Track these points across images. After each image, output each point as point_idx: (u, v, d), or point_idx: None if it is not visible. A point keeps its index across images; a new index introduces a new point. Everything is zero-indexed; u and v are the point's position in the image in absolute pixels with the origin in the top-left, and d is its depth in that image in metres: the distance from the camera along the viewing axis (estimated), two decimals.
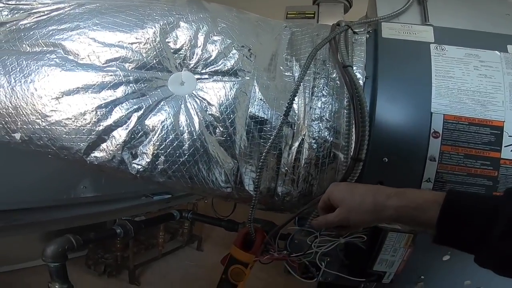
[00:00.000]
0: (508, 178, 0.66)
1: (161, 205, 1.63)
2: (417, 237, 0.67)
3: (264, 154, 0.71)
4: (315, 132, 0.72)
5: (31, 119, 0.71)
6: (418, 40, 0.75)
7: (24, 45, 0.74)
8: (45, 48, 0.73)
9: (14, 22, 0.76)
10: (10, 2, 0.78)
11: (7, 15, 0.77)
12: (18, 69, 0.72)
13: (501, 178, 0.66)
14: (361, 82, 0.71)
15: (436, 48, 0.73)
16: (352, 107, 0.64)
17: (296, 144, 0.73)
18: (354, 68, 0.72)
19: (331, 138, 0.71)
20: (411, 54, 0.73)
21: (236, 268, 0.76)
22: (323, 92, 0.73)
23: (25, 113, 0.71)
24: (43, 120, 0.71)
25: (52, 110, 0.71)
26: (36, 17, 0.76)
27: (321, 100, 0.73)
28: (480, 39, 0.74)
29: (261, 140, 0.73)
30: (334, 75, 0.74)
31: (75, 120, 0.70)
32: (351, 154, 0.66)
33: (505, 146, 0.66)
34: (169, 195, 1.51)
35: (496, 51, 0.72)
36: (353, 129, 0.67)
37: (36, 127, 0.71)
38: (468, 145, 0.66)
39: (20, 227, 1.15)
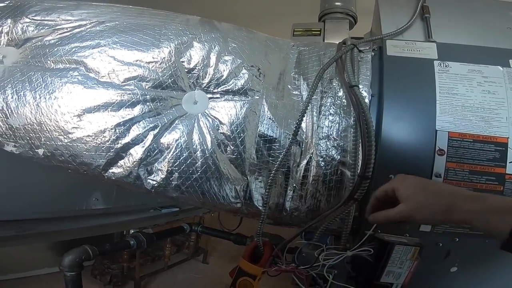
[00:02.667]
0: None
1: (168, 218, 1.65)
2: (424, 250, 0.68)
3: (273, 172, 0.74)
4: (323, 150, 0.74)
5: (54, 136, 0.74)
6: (422, 57, 0.76)
7: (49, 62, 0.77)
8: (68, 65, 0.76)
9: (40, 38, 0.79)
10: (36, 18, 0.82)
11: (33, 30, 0.81)
12: (43, 86, 0.75)
13: (506, 192, 0.68)
14: (367, 100, 0.73)
15: (440, 64, 0.75)
16: (359, 126, 0.67)
17: (304, 162, 0.75)
18: (360, 86, 0.74)
19: (338, 157, 0.73)
20: (415, 71, 0.75)
21: (244, 280, 0.77)
22: (330, 111, 0.76)
23: (48, 129, 0.74)
24: (65, 136, 0.74)
25: (74, 127, 0.74)
26: (60, 34, 0.80)
27: (328, 118, 0.75)
28: (483, 54, 0.75)
29: (270, 158, 0.76)
30: (341, 94, 0.76)
31: (95, 138, 0.73)
32: (358, 171, 0.68)
33: (510, 162, 0.67)
34: (177, 208, 1.53)
35: (499, 66, 0.73)
36: (360, 148, 0.69)
37: (59, 143, 0.74)
38: (473, 162, 0.68)
39: (30, 237, 1.18)
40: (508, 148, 0.67)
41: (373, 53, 0.82)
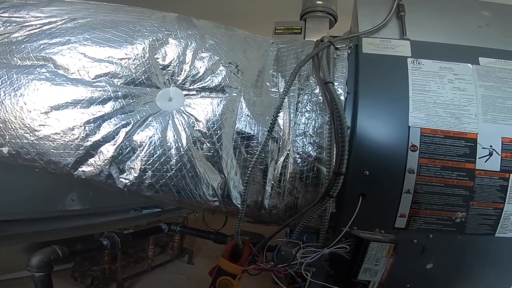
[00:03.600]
0: (483, 187, 0.69)
1: (150, 219, 1.62)
2: (400, 247, 0.69)
3: (250, 168, 0.73)
4: (300, 147, 0.74)
5: (20, 133, 0.71)
6: (396, 55, 0.78)
7: (15, 58, 0.74)
8: (35, 62, 0.74)
9: (6, 35, 0.76)
10: (3, 15, 0.79)
11: (0, 27, 0.77)
12: (8, 83, 0.72)
13: (476, 188, 0.69)
14: (342, 98, 0.73)
15: (413, 62, 0.76)
16: (333, 123, 0.67)
17: (282, 159, 0.75)
18: (336, 84, 0.74)
19: (315, 153, 0.73)
20: (389, 69, 0.76)
21: (224, 279, 0.76)
22: (307, 107, 0.76)
23: (13, 127, 0.71)
24: (31, 134, 0.71)
25: (40, 125, 0.71)
26: (28, 30, 0.77)
27: (305, 115, 0.75)
28: (454, 52, 0.77)
29: (248, 155, 0.75)
30: (317, 91, 0.76)
31: (64, 135, 0.70)
32: (333, 168, 0.68)
33: (479, 158, 0.69)
34: (159, 209, 1.51)
35: (469, 64, 0.75)
36: (334, 144, 0.69)
37: (24, 141, 0.71)
38: (445, 157, 0.69)
39: (5, 239, 1.13)
40: (478, 144, 0.69)
41: (349, 51, 0.82)
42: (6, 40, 0.76)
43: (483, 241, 0.73)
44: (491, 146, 0.68)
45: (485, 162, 0.69)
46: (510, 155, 0.69)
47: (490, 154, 0.68)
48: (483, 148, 0.69)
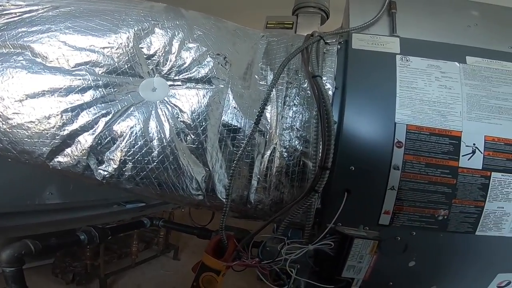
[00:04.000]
0: (465, 185, 0.70)
1: (134, 213, 1.58)
2: (382, 244, 0.69)
3: (236, 161, 0.71)
4: (286, 141, 0.73)
5: None
6: (385, 51, 0.78)
7: None
8: (12, 50, 0.71)
9: None
10: None
11: None
12: None
13: (459, 186, 0.70)
14: (330, 93, 0.73)
15: (402, 59, 0.76)
16: (319, 117, 0.66)
17: (268, 152, 0.73)
18: (324, 78, 0.74)
19: (301, 147, 0.72)
20: (378, 65, 0.76)
21: (207, 275, 0.75)
22: (295, 101, 0.75)
23: None
24: (4, 122, 0.68)
25: (14, 113, 0.68)
26: (7, 19, 0.74)
27: (292, 109, 0.74)
28: (442, 50, 0.77)
29: (234, 148, 0.73)
30: (306, 85, 0.75)
31: (39, 124, 0.67)
32: (319, 163, 0.68)
33: (462, 156, 0.70)
34: (143, 203, 1.47)
35: (456, 62, 0.76)
36: (321, 138, 0.69)
37: None
38: (429, 155, 0.70)
39: None
40: (461, 142, 0.69)
41: (339, 46, 0.82)
42: None
43: (464, 239, 0.74)
44: (474, 144, 0.69)
45: (468, 160, 0.69)
46: (492, 153, 0.70)
47: (473, 152, 0.69)
48: (466, 146, 0.69)
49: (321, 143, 0.68)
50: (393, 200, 0.71)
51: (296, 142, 0.72)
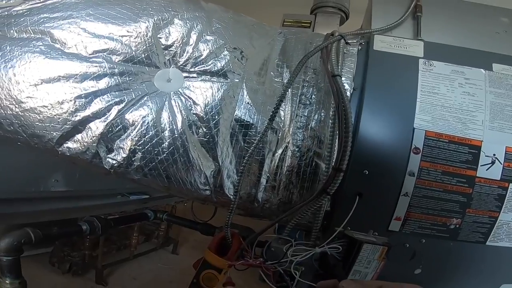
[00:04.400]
0: (481, 195, 0.68)
1: (137, 205, 1.57)
2: (390, 250, 0.68)
3: (246, 158, 0.70)
4: (299, 140, 0.71)
5: (4, 104, 0.68)
6: (407, 54, 0.76)
7: (12, 31, 0.71)
8: (32, 35, 0.71)
9: (7, 8, 0.73)
10: None
11: (2, 0, 0.74)
12: (0, 54, 0.69)
13: (475, 195, 0.68)
14: (348, 93, 0.71)
15: (425, 63, 0.74)
16: (337, 117, 0.64)
17: (280, 151, 0.72)
18: (343, 78, 0.72)
19: (315, 148, 0.70)
20: (399, 68, 0.74)
21: (208, 273, 0.73)
22: (311, 100, 0.73)
23: None
24: (17, 106, 0.67)
25: (28, 97, 0.67)
26: (31, 4, 0.74)
27: (308, 108, 0.72)
28: (468, 56, 0.75)
29: (245, 144, 0.72)
30: (323, 85, 0.74)
31: (51, 108, 0.66)
32: (333, 164, 0.66)
33: (481, 165, 0.68)
34: (147, 196, 1.46)
35: (482, 69, 0.73)
36: (337, 139, 0.67)
37: (9, 112, 0.67)
38: (447, 163, 0.68)
39: None
40: (481, 151, 0.67)
41: (359, 47, 0.80)
42: (6, 13, 0.73)
43: (473, 248, 0.73)
44: (494, 154, 0.67)
45: (487, 170, 0.67)
46: None
47: (493, 163, 0.67)
48: (486, 156, 0.67)
49: (336, 144, 0.67)
50: (406, 206, 0.69)
51: (310, 142, 0.71)
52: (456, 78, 0.72)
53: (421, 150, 0.68)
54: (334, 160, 0.67)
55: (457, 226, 0.70)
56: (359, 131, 0.69)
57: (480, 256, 0.74)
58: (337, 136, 0.67)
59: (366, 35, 0.82)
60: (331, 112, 0.70)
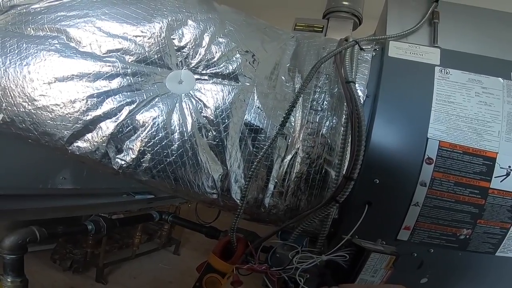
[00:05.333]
0: (494, 206, 0.67)
1: (142, 205, 1.57)
2: (399, 259, 0.67)
3: (255, 163, 0.69)
4: (309, 146, 0.71)
5: (17, 102, 0.68)
6: (423, 62, 0.74)
7: (28, 29, 0.72)
8: (48, 33, 0.72)
9: (26, 6, 0.74)
10: None
11: None
12: (16, 51, 0.70)
13: (487, 207, 0.67)
14: (361, 100, 0.70)
15: (441, 71, 0.72)
16: (350, 124, 0.64)
17: (289, 157, 0.71)
18: (356, 85, 0.71)
19: (325, 155, 0.70)
20: (415, 75, 0.73)
21: (212, 277, 0.73)
22: (322, 106, 0.72)
23: (12, 95, 0.68)
24: (29, 103, 0.68)
25: (41, 95, 0.68)
26: (48, 2, 0.75)
27: (319, 114, 0.72)
28: (486, 64, 0.73)
29: (254, 149, 0.71)
30: (335, 91, 0.73)
31: (63, 107, 0.67)
32: (343, 172, 0.65)
33: (495, 177, 0.66)
34: (152, 196, 1.46)
35: (500, 78, 0.72)
36: (348, 147, 0.66)
37: (21, 109, 0.68)
38: (460, 174, 0.66)
39: None
40: (496, 163, 0.66)
41: (374, 53, 0.79)
42: (24, 10, 0.74)
43: (482, 259, 0.72)
44: (509, 166, 0.66)
45: (501, 181, 0.66)
46: None
47: (507, 174, 0.66)
48: (501, 167, 0.66)
49: (348, 152, 0.66)
50: (416, 216, 0.68)
51: (320, 149, 0.70)
52: (473, 87, 0.71)
53: (434, 160, 0.66)
54: (344, 168, 0.66)
55: (467, 236, 0.69)
56: (371, 139, 0.68)
57: (488, 266, 0.73)
58: (349, 144, 0.66)
59: (381, 41, 0.81)
60: (343, 119, 0.69)
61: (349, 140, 0.65)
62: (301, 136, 0.71)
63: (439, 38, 0.78)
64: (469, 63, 0.73)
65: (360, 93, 0.70)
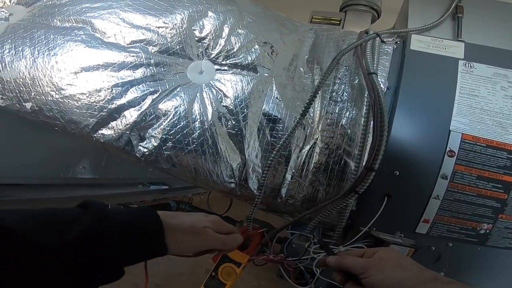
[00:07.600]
0: None
1: (156, 195, 1.60)
2: (417, 252, 0.66)
3: (274, 153, 0.70)
4: (329, 137, 0.71)
5: (46, 91, 0.70)
6: (446, 55, 0.73)
7: (55, 20, 0.75)
8: (74, 24, 0.74)
9: None
10: None
11: None
12: (44, 42, 0.72)
13: (510, 201, 0.66)
14: (383, 91, 0.69)
15: (465, 65, 0.71)
16: (372, 115, 0.63)
17: (307, 147, 0.71)
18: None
19: (345, 145, 0.70)
20: (437, 69, 0.72)
21: (228, 266, 0.74)
22: (342, 97, 0.72)
23: (41, 84, 0.71)
24: (57, 92, 0.70)
25: (68, 84, 0.70)
26: None
27: (338, 105, 0.72)
28: None
29: (272, 139, 0.72)
30: (356, 82, 0.73)
31: (89, 96, 0.69)
32: (363, 163, 0.65)
33: None
34: (166, 186, 1.49)
35: None
36: (369, 138, 0.66)
37: (49, 98, 0.70)
38: (483, 167, 0.65)
39: (10, 204, 1.11)
40: None
41: (395, 46, 0.78)
42: (50, 2, 0.77)
43: (499, 254, 0.71)
44: None
45: None
46: None
47: None
48: None
49: (368, 143, 0.66)
50: (436, 209, 0.68)
51: (340, 140, 0.70)
52: (498, 81, 0.69)
53: (456, 153, 0.65)
54: (364, 159, 0.66)
55: (488, 231, 0.68)
56: (391, 131, 0.68)
57: (506, 262, 0.72)
58: (370, 134, 0.65)
59: (402, 35, 0.80)
60: (364, 110, 0.68)
61: (370, 130, 0.65)
62: (320, 126, 0.71)
63: (463, 33, 0.77)
64: (495, 58, 0.72)
65: (381, 85, 0.70)
